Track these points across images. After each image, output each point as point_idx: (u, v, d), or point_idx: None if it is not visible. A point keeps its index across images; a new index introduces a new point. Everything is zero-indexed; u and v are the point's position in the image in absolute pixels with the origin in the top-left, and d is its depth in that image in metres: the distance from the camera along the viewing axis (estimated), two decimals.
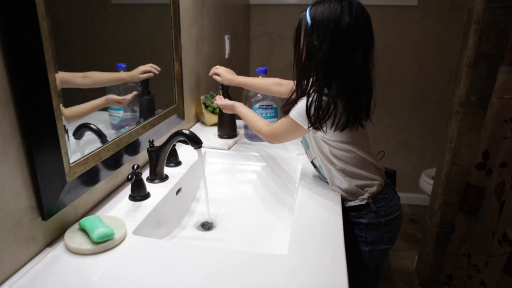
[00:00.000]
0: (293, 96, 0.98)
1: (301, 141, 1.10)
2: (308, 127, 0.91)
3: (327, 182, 1.02)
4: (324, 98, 0.88)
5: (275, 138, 1.05)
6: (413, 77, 2.43)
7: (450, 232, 1.69)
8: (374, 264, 1.04)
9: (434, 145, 2.52)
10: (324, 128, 0.90)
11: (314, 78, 0.91)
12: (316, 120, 0.89)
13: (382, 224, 0.98)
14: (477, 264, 1.57)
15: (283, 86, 1.23)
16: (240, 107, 1.19)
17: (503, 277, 1.44)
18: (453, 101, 1.63)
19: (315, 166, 1.06)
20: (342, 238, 0.77)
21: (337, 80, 0.88)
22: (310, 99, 0.89)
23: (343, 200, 0.99)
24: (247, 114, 1.16)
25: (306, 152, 1.08)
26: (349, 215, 1.00)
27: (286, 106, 0.98)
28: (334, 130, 0.91)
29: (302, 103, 0.91)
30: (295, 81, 0.96)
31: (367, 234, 0.99)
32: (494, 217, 1.49)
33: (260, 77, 1.33)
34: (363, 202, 0.98)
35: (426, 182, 2.19)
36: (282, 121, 0.99)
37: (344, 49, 0.86)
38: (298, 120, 0.92)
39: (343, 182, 0.98)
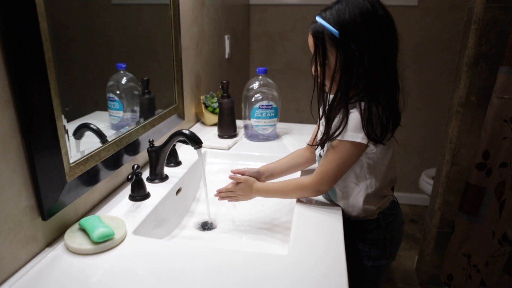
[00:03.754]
0: (322, 128, 0.85)
1: None
2: (368, 143, 0.79)
3: (329, 201, 0.94)
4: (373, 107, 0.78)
5: (327, 180, 0.84)
6: (413, 77, 2.43)
7: (450, 232, 1.69)
8: (375, 279, 1.00)
9: (434, 145, 2.52)
10: (384, 141, 0.80)
11: (355, 92, 0.80)
12: (374, 132, 0.78)
13: (387, 240, 0.94)
14: (477, 264, 1.57)
15: (309, 148, 1.03)
16: (259, 188, 0.93)
17: (503, 277, 1.44)
18: (453, 101, 1.63)
19: None
20: (342, 239, 0.77)
21: (384, 87, 0.79)
22: (365, 113, 0.77)
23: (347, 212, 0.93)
24: (274, 188, 0.93)
25: None
26: (352, 227, 0.92)
27: (325, 139, 0.83)
28: (389, 139, 0.83)
29: (355, 121, 0.78)
30: (323, 108, 0.84)
31: (371, 249, 0.94)
32: (494, 217, 1.49)
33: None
34: (372, 217, 0.92)
35: (426, 182, 2.19)
36: (332, 154, 0.82)
37: (387, 50, 0.77)
38: (359, 138, 0.78)
39: (358, 203, 0.89)
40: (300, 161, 1.04)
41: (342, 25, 0.75)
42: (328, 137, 0.82)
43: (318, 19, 0.79)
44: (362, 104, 0.78)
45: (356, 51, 0.75)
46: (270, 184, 0.95)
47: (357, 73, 0.77)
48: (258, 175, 0.98)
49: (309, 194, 0.90)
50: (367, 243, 0.94)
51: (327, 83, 0.82)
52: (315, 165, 1.03)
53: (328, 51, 0.78)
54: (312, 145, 0.91)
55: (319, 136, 0.88)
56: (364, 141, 0.78)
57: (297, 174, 1.07)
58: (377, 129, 0.78)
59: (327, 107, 0.84)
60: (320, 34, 0.78)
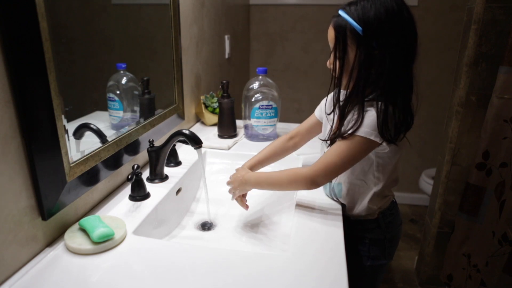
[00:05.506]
0: (334, 124, 0.84)
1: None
2: (382, 142, 0.78)
3: (333, 199, 0.94)
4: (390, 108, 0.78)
5: (327, 173, 0.81)
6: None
7: (450, 232, 1.69)
8: (374, 278, 1.01)
9: (434, 145, 2.52)
10: (397, 141, 0.80)
11: (371, 91, 0.79)
12: (388, 132, 0.77)
13: (386, 240, 0.95)
14: (477, 264, 1.57)
15: (298, 136, 1.05)
16: (252, 178, 0.90)
17: (503, 277, 1.44)
18: (453, 101, 1.63)
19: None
20: (342, 238, 0.77)
21: (402, 88, 0.79)
22: (381, 112, 0.77)
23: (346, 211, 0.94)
24: (267, 176, 0.90)
25: None
26: (352, 227, 0.93)
27: (338, 135, 0.82)
28: (401, 140, 0.82)
29: (371, 118, 0.77)
30: (340, 103, 0.83)
31: (370, 249, 0.95)
32: (494, 217, 1.49)
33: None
34: (373, 217, 0.92)
35: (426, 182, 2.19)
36: (340, 147, 0.80)
37: (408, 52, 0.77)
38: (372, 136, 0.77)
39: (363, 200, 0.90)
40: (289, 146, 1.05)
41: (366, 22, 0.73)
42: (340, 133, 0.81)
43: (341, 13, 0.77)
44: (379, 103, 0.77)
45: (377, 49, 0.74)
46: (262, 172, 0.93)
47: (375, 71, 0.76)
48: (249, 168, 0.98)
49: (304, 185, 0.84)
50: (367, 243, 0.95)
51: (344, 79, 0.81)
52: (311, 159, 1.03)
53: (348, 47, 0.77)
54: (326, 139, 0.89)
55: (331, 132, 0.87)
56: (377, 139, 0.77)
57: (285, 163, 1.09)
58: (392, 129, 0.78)
59: (341, 103, 0.83)
60: (342, 29, 0.77)
